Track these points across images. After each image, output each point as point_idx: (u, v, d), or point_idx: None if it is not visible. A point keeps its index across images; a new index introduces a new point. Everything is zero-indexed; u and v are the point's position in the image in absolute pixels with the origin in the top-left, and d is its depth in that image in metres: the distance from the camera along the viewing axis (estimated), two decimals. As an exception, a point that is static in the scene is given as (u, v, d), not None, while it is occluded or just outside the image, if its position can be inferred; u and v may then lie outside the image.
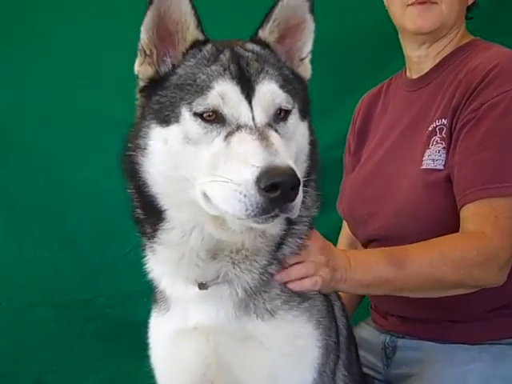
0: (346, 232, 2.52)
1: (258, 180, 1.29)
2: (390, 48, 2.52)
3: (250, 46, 1.56)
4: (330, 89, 3.00)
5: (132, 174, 1.54)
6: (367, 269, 1.76)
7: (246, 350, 1.57)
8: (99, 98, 3.19)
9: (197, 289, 1.57)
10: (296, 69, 1.63)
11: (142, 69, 1.54)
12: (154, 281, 1.69)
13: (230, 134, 1.40)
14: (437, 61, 2.21)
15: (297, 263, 1.63)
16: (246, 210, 1.31)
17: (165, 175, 1.47)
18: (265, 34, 1.58)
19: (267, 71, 1.48)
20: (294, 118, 1.51)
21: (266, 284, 1.59)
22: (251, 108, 1.42)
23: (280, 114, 1.47)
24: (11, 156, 3.26)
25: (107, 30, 3.17)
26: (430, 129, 2.07)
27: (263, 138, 1.37)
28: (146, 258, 1.69)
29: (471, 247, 1.83)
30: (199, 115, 1.42)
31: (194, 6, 1.48)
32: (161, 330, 1.69)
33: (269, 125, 1.43)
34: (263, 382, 1.58)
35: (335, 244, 2.54)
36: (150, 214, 1.56)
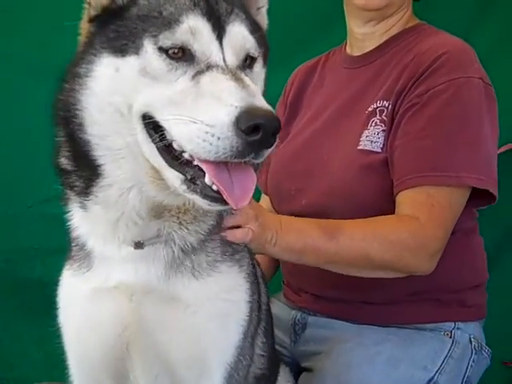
0: (264, 207, 2.45)
1: (237, 121, 1.19)
2: (330, 21, 2.44)
3: None
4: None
5: (65, 116, 1.42)
6: (299, 234, 1.74)
7: (171, 312, 1.50)
8: (16, 43, 2.97)
9: (131, 248, 1.48)
10: (254, 18, 1.54)
11: None
12: (78, 239, 1.57)
13: (199, 73, 1.30)
14: (382, 40, 2.17)
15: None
16: (217, 152, 1.22)
17: (104, 104, 1.35)
18: None
19: (237, 13, 1.40)
20: (258, 66, 1.45)
21: (204, 242, 1.53)
22: (222, 49, 1.34)
23: (246, 60, 1.40)
24: None
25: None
26: (369, 109, 2.03)
27: (237, 78, 1.28)
28: (69, 214, 1.57)
29: (404, 230, 1.83)
30: (164, 50, 1.31)
31: None
32: (76, 289, 1.57)
33: (240, 68, 1.36)
34: (186, 346, 1.51)
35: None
36: (83, 168, 1.44)
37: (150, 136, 1.33)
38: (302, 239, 1.74)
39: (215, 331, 1.52)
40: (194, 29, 1.32)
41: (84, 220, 1.54)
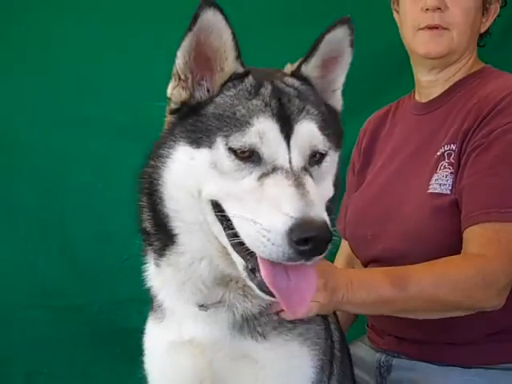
0: (344, 251, 2.51)
1: (291, 231, 1.26)
2: (399, 71, 2.52)
3: (290, 80, 1.53)
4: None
5: (148, 187, 1.53)
6: (369, 289, 1.75)
7: (241, 368, 1.57)
8: (103, 105, 3.22)
9: (196, 309, 1.57)
10: (328, 100, 1.61)
11: (175, 92, 1.52)
12: (152, 290, 1.68)
13: (264, 175, 1.38)
14: (447, 86, 2.22)
15: None
16: (270, 255, 1.30)
17: (179, 184, 1.46)
18: (308, 69, 1.56)
19: (308, 110, 1.46)
20: (328, 160, 1.49)
21: (262, 310, 1.58)
22: (289, 149, 1.40)
23: (315, 156, 1.45)
24: (13, 159, 3.28)
25: (110, 33, 3.20)
26: (438, 153, 2.07)
27: (299, 184, 1.34)
28: (146, 266, 1.69)
29: (472, 269, 1.83)
30: (233, 150, 1.39)
31: (235, 37, 1.45)
32: (156, 338, 1.69)
33: (305, 168, 1.41)
34: None
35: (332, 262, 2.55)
36: (161, 232, 1.56)
37: (219, 219, 1.42)
38: (373, 293, 1.75)
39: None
40: (263, 132, 1.39)
41: (156, 275, 1.64)
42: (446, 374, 2.04)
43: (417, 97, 2.35)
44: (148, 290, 1.72)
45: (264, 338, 1.57)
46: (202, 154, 1.42)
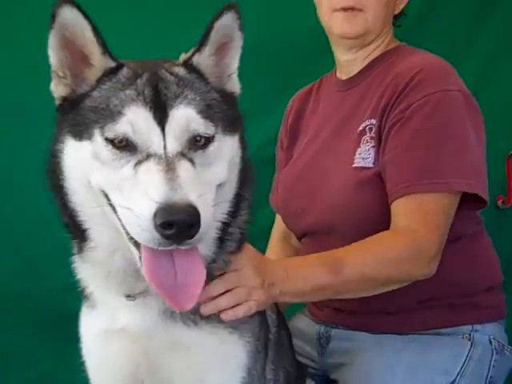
0: (278, 226, 2.58)
1: (154, 216, 1.29)
2: (321, 49, 2.57)
3: (176, 69, 1.53)
4: (262, 89, 3.06)
5: (55, 184, 1.54)
6: (305, 278, 1.78)
7: (175, 354, 1.58)
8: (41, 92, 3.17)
9: (123, 299, 1.58)
10: (224, 86, 1.60)
11: (56, 89, 1.54)
12: (81, 282, 1.68)
13: (139, 163, 1.39)
14: (364, 64, 2.29)
15: (226, 291, 1.61)
16: (144, 241, 1.33)
17: (74, 178, 1.49)
18: (201, 58, 1.55)
19: (186, 96, 1.46)
20: (216, 145, 1.48)
21: None
22: (164, 135, 1.40)
23: (200, 140, 1.45)
24: None
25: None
26: (360, 128, 2.14)
27: (169, 169, 1.35)
28: (73, 258, 1.66)
29: (401, 243, 1.90)
30: (110, 141, 1.41)
31: (97, 32, 1.46)
32: (90, 326, 1.69)
33: (182, 154, 1.40)
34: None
35: (268, 237, 2.63)
36: (74, 229, 1.56)
37: (113, 209, 1.42)
38: (310, 282, 1.78)
39: (217, 372, 1.60)
40: (133, 121, 1.40)
41: (82, 268, 1.64)
42: (381, 341, 2.12)
43: (338, 74, 2.41)
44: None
45: (195, 325, 1.58)
46: (84, 147, 1.45)
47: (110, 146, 1.41)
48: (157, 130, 1.40)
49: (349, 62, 2.32)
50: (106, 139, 1.41)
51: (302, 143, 2.42)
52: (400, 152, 1.99)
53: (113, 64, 1.50)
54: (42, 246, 3.25)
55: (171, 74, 1.51)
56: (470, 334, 2.11)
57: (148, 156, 1.39)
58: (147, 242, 1.33)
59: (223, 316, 1.59)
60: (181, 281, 1.39)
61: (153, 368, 1.61)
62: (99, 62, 1.49)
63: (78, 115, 1.48)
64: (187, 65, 1.55)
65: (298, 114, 2.52)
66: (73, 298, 3.06)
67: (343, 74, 2.37)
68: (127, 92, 1.44)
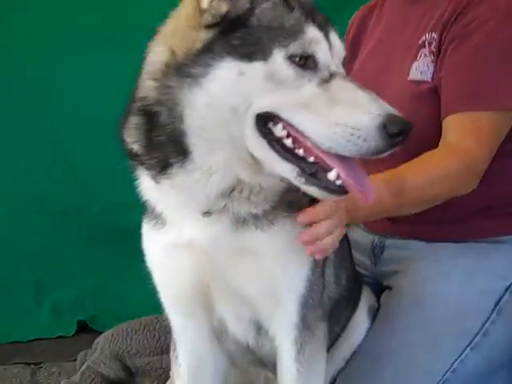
0: None
1: (384, 126, 1.36)
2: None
3: None
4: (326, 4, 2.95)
5: (146, 113, 1.51)
6: (373, 205, 1.73)
7: (242, 259, 1.62)
8: (86, 16, 3.17)
9: (198, 215, 1.58)
10: None
11: (215, 4, 1.45)
12: (148, 202, 1.67)
13: (324, 81, 1.43)
14: None
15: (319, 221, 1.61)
16: (358, 151, 1.38)
17: (217, 103, 1.43)
18: None
19: (331, 23, 1.51)
20: None
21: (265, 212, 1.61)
22: (332, 56, 1.47)
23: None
24: (4, 73, 3.29)
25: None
26: (419, 42, 2.08)
27: (360, 86, 1.42)
28: (138, 180, 1.65)
29: (457, 163, 1.90)
30: (291, 59, 1.41)
31: None
32: (156, 243, 1.70)
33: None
34: (259, 285, 1.64)
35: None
36: (160, 151, 1.52)
37: (261, 132, 1.44)
38: (377, 208, 1.79)
39: (283, 270, 1.63)
40: (316, 39, 1.43)
41: (154, 189, 1.61)
42: (436, 248, 2.13)
43: None
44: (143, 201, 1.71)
45: (272, 223, 1.61)
46: (254, 68, 1.41)
47: (294, 64, 1.41)
48: (329, 50, 1.46)
49: None
50: (290, 57, 1.41)
51: (362, 55, 2.37)
52: (459, 67, 1.94)
53: None
54: (95, 165, 3.32)
55: None
56: (527, 242, 2.09)
57: (332, 75, 1.44)
58: (362, 152, 1.38)
59: (310, 249, 1.61)
60: (362, 175, 1.48)
61: (219, 274, 1.64)
62: None
63: (248, 34, 1.43)
64: None
65: (360, 28, 2.45)
66: (124, 214, 3.23)
67: None
68: (296, 13, 1.45)
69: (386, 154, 1.41)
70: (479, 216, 2.11)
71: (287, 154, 1.44)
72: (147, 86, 1.52)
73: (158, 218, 1.66)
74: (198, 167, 1.51)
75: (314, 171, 1.44)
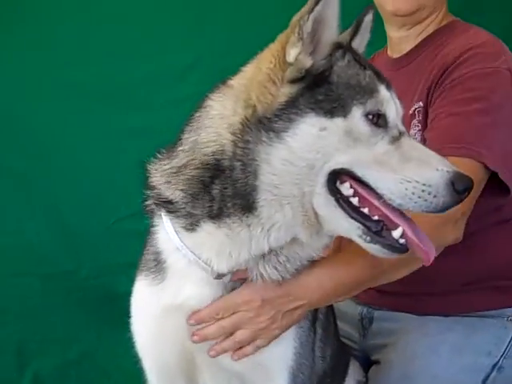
0: None
1: (452, 183, 1.43)
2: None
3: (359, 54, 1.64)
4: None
5: (212, 168, 1.49)
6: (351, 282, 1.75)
7: None
8: (89, 71, 3.23)
9: (210, 277, 1.56)
10: None
11: (301, 58, 1.47)
12: (160, 253, 1.64)
13: (394, 139, 1.49)
14: (417, 42, 2.24)
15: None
16: (428, 207, 1.44)
17: (295, 158, 1.43)
18: (355, 45, 1.65)
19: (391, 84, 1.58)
20: None
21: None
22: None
23: None
24: (5, 134, 3.27)
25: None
26: (410, 112, 2.11)
27: (424, 145, 1.52)
28: (155, 228, 1.64)
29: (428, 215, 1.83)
30: (367, 117, 1.46)
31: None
32: (148, 300, 1.66)
33: None
34: (247, 359, 1.62)
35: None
36: (222, 203, 1.50)
37: (330, 190, 1.46)
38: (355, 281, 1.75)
39: (272, 344, 1.61)
40: (388, 98, 1.51)
41: (175, 239, 1.57)
42: (425, 322, 2.12)
43: (389, 52, 2.36)
44: (141, 253, 1.70)
45: None
46: (335, 124, 1.44)
47: (369, 122, 1.46)
48: (396, 110, 1.54)
49: (401, 39, 2.28)
50: (366, 115, 1.46)
51: None
52: (437, 120, 1.97)
53: (339, 40, 1.55)
54: (87, 228, 3.31)
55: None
56: (514, 317, 2.09)
57: (400, 134, 1.51)
58: (431, 207, 1.44)
59: (234, 356, 1.60)
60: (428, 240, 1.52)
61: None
62: (335, 35, 1.51)
63: (331, 91, 1.46)
64: (351, 49, 1.60)
65: None
66: (114, 279, 3.20)
67: (395, 51, 2.33)
68: (368, 72, 1.52)
69: (447, 212, 1.47)
70: (467, 290, 2.11)
71: (353, 212, 1.47)
72: (222, 141, 1.49)
73: (159, 271, 1.63)
74: (261, 223, 1.49)
75: (379, 229, 1.47)
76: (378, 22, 2.30)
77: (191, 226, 1.54)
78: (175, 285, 1.61)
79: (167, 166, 1.58)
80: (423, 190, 1.42)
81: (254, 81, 1.51)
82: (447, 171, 1.44)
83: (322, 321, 1.82)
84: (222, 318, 1.58)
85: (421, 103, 2.08)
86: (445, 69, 2.02)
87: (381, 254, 1.49)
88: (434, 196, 1.43)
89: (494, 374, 1.99)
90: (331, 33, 1.49)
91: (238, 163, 1.47)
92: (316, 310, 1.77)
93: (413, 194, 1.43)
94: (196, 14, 3.23)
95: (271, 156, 1.44)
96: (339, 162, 1.44)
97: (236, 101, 1.51)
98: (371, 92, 1.48)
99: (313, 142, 1.43)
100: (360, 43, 1.67)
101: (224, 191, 1.49)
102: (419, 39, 2.23)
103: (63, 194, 3.33)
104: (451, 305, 2.12)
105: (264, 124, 1.45)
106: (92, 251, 3.34)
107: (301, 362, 1.66)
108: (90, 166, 3.26)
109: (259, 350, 1.61)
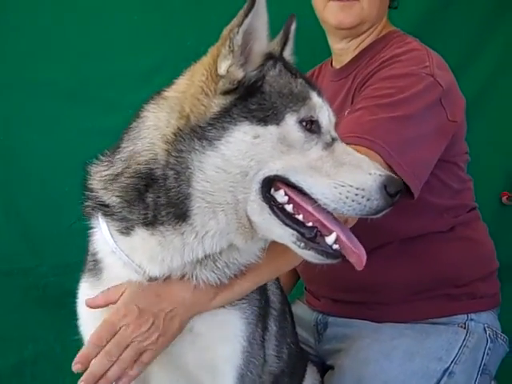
0: None
1: (385, 186, 1.47)
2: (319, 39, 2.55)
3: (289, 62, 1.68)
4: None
5: (146, 177, 1.51)
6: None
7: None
8: (51, 68, 3.20)
9: (143, 279, 1.57)
10: None
11: (232, 70, 1.50)
12: (97, 255, 1.66)
13: (327, 145, 1.52)
14: (355, 53, 2.30)
15: None
16: (361, 210, 1.48)
17: (229, 166, 1.46)
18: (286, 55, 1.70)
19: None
20: None
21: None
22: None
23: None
24: None
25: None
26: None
27: (355, 150, 1.55)
28: (93, 230, 1.67)
29: None
30: (301, 123, 1.49)
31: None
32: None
33: None
34: (197, 355, 1.64)
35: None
36: (156, 211, 1.51)
37: (264, 198, 1.48)
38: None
39: (217, 341, 1.64)
40: (320, 104, 1.55)
41: (111, 242, 1.59)
42: (378, 328, 2.16)
43: (333, 63, 2.42)
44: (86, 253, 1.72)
45: None
46: (269, 131, 1.47)
47: (303, 128, 1.49)
48: (328, 116, 1.57)
49: (342, 50, 2.34)
50: (300, 121, 1.49)
51: None
52: (348, 115, 2.01)
53: (267, 51, 1.57)
54: (47, 226, 3.28)
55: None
56: (465, 323, 2.15)
57: (333, 139, 1.55)
58: (365, 211, 1.47)
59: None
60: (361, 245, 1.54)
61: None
62: (264, 47, 1.55)
63: (263, 100, 1.50)
64: (282, 59, 1.64)
65: None
66: (72, 276, 3.17)
67: (337, 62, 2.39)
68: (299, 80, 1.56)
69: (383, 213, 1.50)
70: (418, 298, 2.16)
71: (287, 219, 1.48)
72: (155, 150, 1.52)
73: (98, 273, 1.65)
74: (195, 231, 1.51)
75: (313, 236, 1.48)
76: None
77: (126, 230, 1.57)
78: (111, 285, 1.61)
79: (105, 173, 1.61)
80: (357, 194, 1.46)
81: (188, 93, 1.55)
82: (379, 175, 1.48)
83: (275, 317, 1.84)
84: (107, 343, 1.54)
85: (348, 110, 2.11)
86: (367, 75, 2.08)
87: (315, 260, 1.51)
88: (368, 199, 1.46)
89: (444, 379, 2.03)
90: (261, 44, 1.53)
91: (171, 172, 1.49)
92: (267, 305, 1.79)
93: (347, 198, 1.45)
94: (162, 16, 3.23)
95: (204, 164, 1.47)
96: (273, 168, 1.47)
97: (170, 112, 1.55)
98: (304, 99, 1.52)
99: (246, 150, 1.46)
100: (288, 51, 1.71)
101: (158, 200, 1.51)
102: (358, 51, 2.29)
103: (24, 192, 3.29)
104: (403, 313, 2.16)
105: (197, 133, 1.49)
106: (52, 249, 3.30)
107: (249, 360, 1.68)
108: (52, 163, 3.23)
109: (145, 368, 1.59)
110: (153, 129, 1.55)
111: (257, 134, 1.46)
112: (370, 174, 1.48)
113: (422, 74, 1.99)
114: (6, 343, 3.35)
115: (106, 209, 1.58)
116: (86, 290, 1.71)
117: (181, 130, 1.51)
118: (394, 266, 2.12)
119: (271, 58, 1.57)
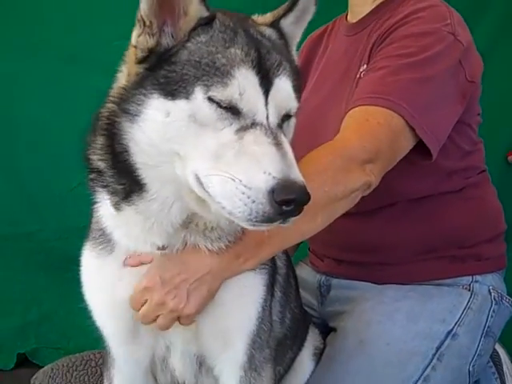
0: None
1: (273, 191, 1.24)
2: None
3: (268, 31, 1.47)
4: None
5: (108, 132, 1.44)
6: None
7: None
8: (51, 31, 3.16)
9: (154, 249, 1.53)
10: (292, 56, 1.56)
11: (141, 39, 1.39)
12: (104, 229, 1.60)
13: (243, 129, 1.32)
14: (373, 7, 2.22)
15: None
16: (250, 214, 1.27)
17: (154, 146, 1.36)
18: (286, 24, 1.52)
19: (285, 66, 1.39)
20: (293, 120, 1.45)
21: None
22: (266, 104, 1.34)
23: (287, 115, 1.42)
24: None
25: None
26: (357, 76, 2.10)
27: (278, 143, 1.30)
28: (96, 204, 1.60)
29: (330, 154, 1.77)
30: (213, 101, 1.31)
31: None
32: (100, 270, 1.63)
33: (280, 126, 1.37)
34: (211, 321, 1.62)
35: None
36: (124, 178, 1.46)
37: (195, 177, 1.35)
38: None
39: (235, 308, 1.61)
40: (244, 86, 1.31)
41: (113, 217, 1.54)
42: (382, 290, 2.14)
43: (349, 17, 2.33)
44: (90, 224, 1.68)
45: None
46: (178, 106, 1.33)
47: (215, 105, 1.31)
48: (262, 98, 1.34)
49: (359, 1, 2.25)
50: (209, 98, 1.31)
51: (307, 89, 2.34)
52: (367, 74, 1.96)
53: (207, 13, 1.39)
54: (49, 190, 3.28)
55: (263, 36, 1.44)
56: (470, 285, 2.13)
57: (253, 124, 1.32)
58: (253, 215, 1.26)
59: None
60: None
61: None
62: (195, 10, 1.37)
63: (173, 71, 1.35)
64: (276, 28, 1.50)
65: (307, 57, 2.45)
66: (75, 241, 3.17)
67: (353, 16, 2.30)
68: (233, 51, 1.34)
69: (276, 224, 1.29)
70: (423, 259, 2.14)
71: None
72: (110, 111, 1.45)
73: (108, 244, 1.60)
74: (157, 197, 1.45)
75: None
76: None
77: (118, 206, 1.51)
78: (123, 255, 1.58)
79: (93, 138, 1.53)
80: (243, 193, 1.25)
81: (130, 58, 1.47)
82: (273, 177, 1.24)
83: (281, 283, 1.83)
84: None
85: (365, 66, 2.07)
86: (387, 30, 2.02)
87: (250, 228, 1.35)
88: (253, 201, 1.25)
89: (448, 341, 2.02)
90: (192, 9, 1.38)
91: (115, 136, 1.42)
92: (274, 273, 1.77)
93: (235, 195, 1.26)
94: None
95: (136, 139, 1.39)
96: (192, 166, 1.34)
97: (122, 74, 1.48)
98: (223, 74, 1.32)
99: (163, 131, 1.34)
100: (296, 23, 1.56)
101: (119, 165, 1.44)
102: (376, 3, 2.21)
103: (26, 156, 3.29)
104: (408, 274, 2.15)
105: (124, 105, 1.40)
106: (54, 213, 3.32)
107: (261, 326, 1.66)
108: (52, 127, 3.22)
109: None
110: (113, 88, 1.49)
111: (167, 109, 1.33)
112: (265, 172, 1.25)
113: (443, 32, 1.94)
114: (10, 306, 3.39)
115: (101, 178, 1.51)
116: (92, 259, 1.65)
117: (120, 95, 1.43)
118: (400, 226, 2.09)
119: (209, 21, 1.39)
